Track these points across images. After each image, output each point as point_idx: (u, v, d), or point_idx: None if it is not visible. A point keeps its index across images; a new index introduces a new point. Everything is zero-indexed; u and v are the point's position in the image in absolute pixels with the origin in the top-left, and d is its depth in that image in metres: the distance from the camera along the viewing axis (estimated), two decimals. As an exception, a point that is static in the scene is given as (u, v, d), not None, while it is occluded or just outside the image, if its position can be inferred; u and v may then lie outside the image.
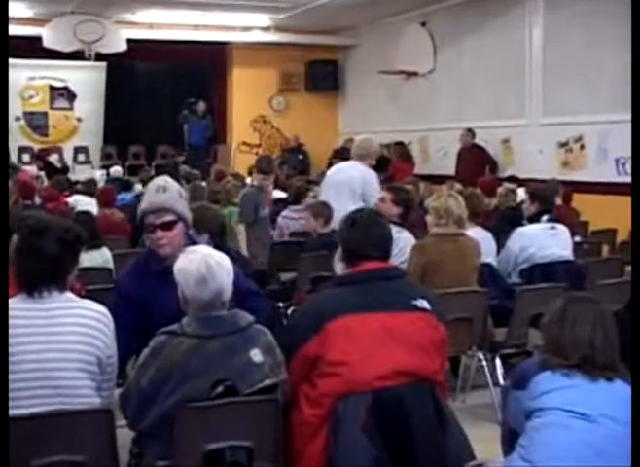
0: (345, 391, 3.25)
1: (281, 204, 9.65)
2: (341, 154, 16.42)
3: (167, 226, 3.94)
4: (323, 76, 17.81)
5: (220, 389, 3.14)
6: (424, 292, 3.61)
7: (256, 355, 3.22)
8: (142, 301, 3.90)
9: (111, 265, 6.43)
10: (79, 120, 19.71)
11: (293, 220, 8.17)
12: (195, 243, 3.97)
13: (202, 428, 3.15)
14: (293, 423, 3.36)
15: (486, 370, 5.72)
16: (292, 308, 6.63)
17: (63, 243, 3.35)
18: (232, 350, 3.19)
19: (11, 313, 3.24)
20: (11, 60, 17.25)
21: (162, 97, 19.22)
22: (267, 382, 3.23)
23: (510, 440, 3.17)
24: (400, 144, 15.05)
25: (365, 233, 3.60)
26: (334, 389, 3.27)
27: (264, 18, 15.98)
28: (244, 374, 3.19)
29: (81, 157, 19.27)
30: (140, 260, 4.13)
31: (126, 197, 10.65)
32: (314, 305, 3.60)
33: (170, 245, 3.94)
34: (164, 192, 3.96)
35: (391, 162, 14.94)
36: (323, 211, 7.22)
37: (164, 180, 4.07)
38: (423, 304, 3.46)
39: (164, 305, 3.56)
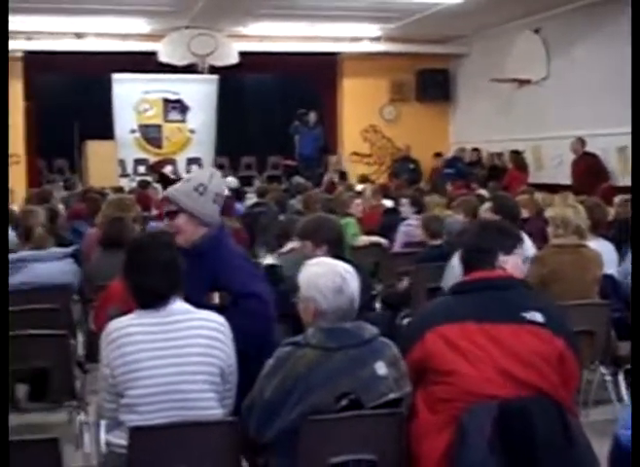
0: (459, 397, 3.19)
1: (391, 215, 9.64)
2: (452, 163, 16.39)
3: (171, 215, 4.06)
4: (434, 85, 17.74)
5: (344, 402, 3.12)
6: (541, 304, 3.45)
7: (380, 368, 3.19)
8: None
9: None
10: (192, 132, 20.04)
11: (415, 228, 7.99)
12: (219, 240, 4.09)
13: (326, 441, 3.14)
14: (411, 428, 3.31)
15: (609, 385, 5.57)
16: (408, 318, 6.56)
17: (172, 248, 3.44)
18: (357, 363, 3.17)
19: (132, 330, 3.28)
20: (126, 75, 17.87)
21: (273, 108, 19.41)
22: (392, 396, 3.20)
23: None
24: (516, 152, 14.87)
25: (475, 242, 3.57)
26: (447, 396, 3.22)
27: (373, 29, 16.00)
28: (369, 387, 3.16)
29: (194, 168, 19.57)
30: None
31: (240, 207, 10.75)
32: (420, 315, 3.61)
33: (179, 234, 4.00)
34: (182, 185, 4.13)
35: (505, 171, 14.82)
36: (430, 224, 7.14)
37: (197, 172, 4.19)
38: (535, 316, 3.31)
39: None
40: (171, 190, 4.14)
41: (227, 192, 11.89)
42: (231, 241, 4.29)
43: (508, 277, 3.52)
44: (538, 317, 3.32)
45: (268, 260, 5.45)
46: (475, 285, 3.45)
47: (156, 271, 3.33)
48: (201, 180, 4.08)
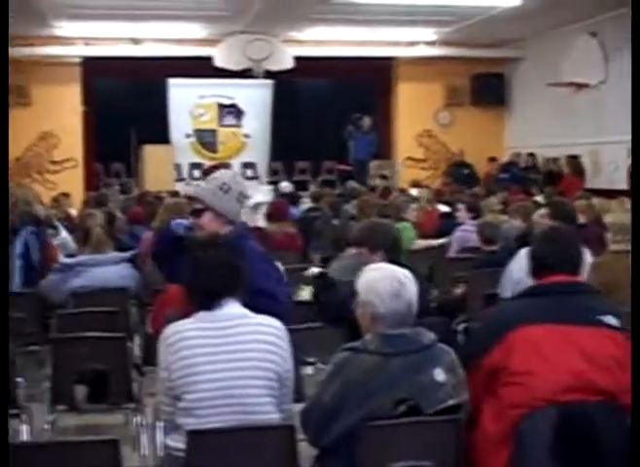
0: (528, 401, 3.16)
1: (447, 219, 9.59)
2: (508, 168, 16.25)
3: (197, 213, 4.26)
4: (489, 89, 17.60)
5: (403, 408, 3.11)
6: (613, 308, 3.46)
7: (439, 374, 3.17)
8: None
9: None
10: (246, 136, 20.07)
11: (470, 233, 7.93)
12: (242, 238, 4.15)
13: (384, 447, 3.13)
14: (474, 439, 3.29)
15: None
16: (464, 324, 6.50)
17: (229, 249, 3.44)
18: (416, 369, 3.16)
19: (189, 334, 3.29)
20: (183, 80, 17.99)
21: (327, 113, 19.36)
22: (451, 402, 3.18)
23: None
24: (573, 157, 14.70)
25: (554, 246, 3.55)
26: (516, 399, 3.20)
27: (429, 33, 15.94)
28: (427, 393, 3.15)
29: (249, 172, 19.61)
30: None
31: (295, 211, 10.76)
32: (496, 316, 3.59)
33: (203, 230, 4.19)
34: (207, 184, 4.31)
35: (561, 177, 14.65)
36: (485, 230, 7.08)
37: (221, 172, 4.50)
38: (610, 320, 3.33)
39: None
40: (197, 188, 4.39)
41: (265, 197, 11.98)
42: (254, 242, 4.37)
43: (583, 282, 3.59)
44: (613, 321, 3.34)
45: (315, 270, 5.41)
46: (553, 288, 3.45)
47: (208, 272, 3.34)
48: (225, 179, 4.27)
